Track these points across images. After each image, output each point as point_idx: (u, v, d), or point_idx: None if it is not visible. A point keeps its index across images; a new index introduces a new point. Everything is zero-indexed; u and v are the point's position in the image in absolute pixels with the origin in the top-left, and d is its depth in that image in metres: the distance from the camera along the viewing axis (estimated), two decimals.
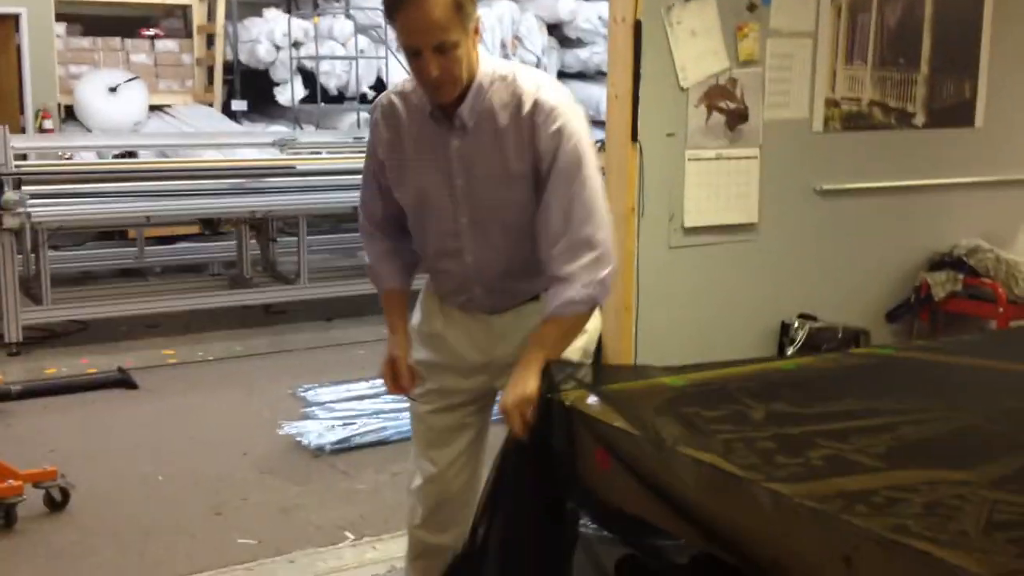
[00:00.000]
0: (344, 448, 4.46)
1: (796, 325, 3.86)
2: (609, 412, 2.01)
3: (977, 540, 1.51)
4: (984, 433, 1.91)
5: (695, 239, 3.81)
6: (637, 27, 3.58)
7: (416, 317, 2.50)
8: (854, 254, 4.11)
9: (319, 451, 4.44)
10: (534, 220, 2.23)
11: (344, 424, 4.66)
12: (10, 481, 3.66)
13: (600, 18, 12.01)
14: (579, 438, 2.07)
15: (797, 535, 1.60)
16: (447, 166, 2.26)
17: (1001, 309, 4.01)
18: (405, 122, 2.29)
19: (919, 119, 4.18)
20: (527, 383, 2.12)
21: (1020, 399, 2.11)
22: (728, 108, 3.77)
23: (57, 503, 3.81)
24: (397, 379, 2.40)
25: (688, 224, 3.78)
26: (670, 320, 3.78)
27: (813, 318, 3.91)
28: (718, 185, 3.83)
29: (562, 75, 10.44)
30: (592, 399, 2.08)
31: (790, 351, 3.80)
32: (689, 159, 3.75)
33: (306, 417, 4.83)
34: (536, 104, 2.18)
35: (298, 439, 4.55)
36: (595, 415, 2.01)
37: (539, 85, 2.21)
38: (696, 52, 3.68)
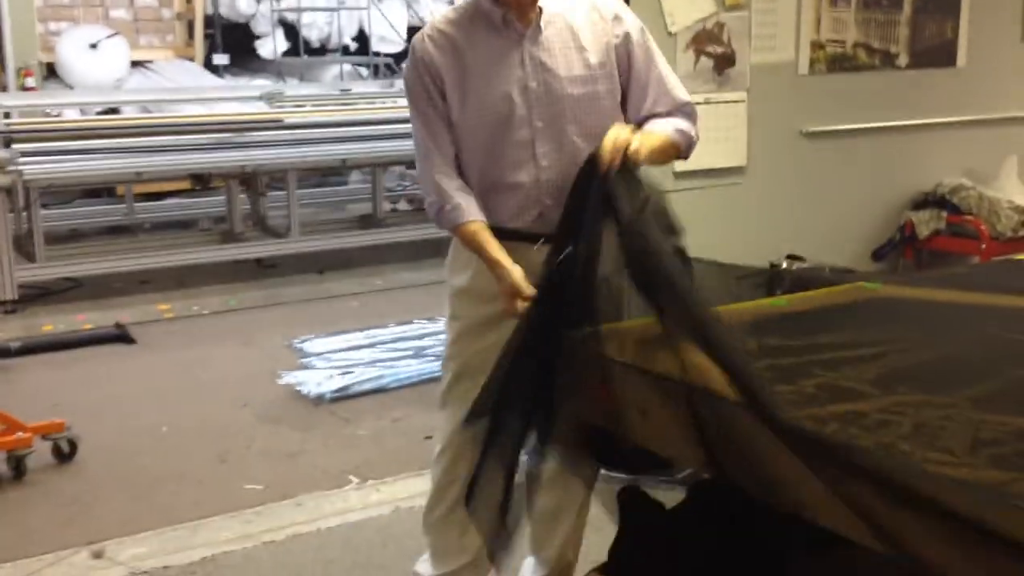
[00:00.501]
0: (343, 396, 4.55)
1: (785, 266, 3.94)
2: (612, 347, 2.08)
3: (963, 456, 1.61)
4: (966, 359, 2.00)
5: (685, 183, 3.87)
6: None
7: (461, 277, 2.48)
8: (840, 195, 4.19)
9: (319, 399, 4.52)
10: (609, 119, 2.30)
11: (342, 373, 4.74)
12: (19, 434, 3.74)
13: None
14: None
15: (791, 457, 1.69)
16: (521, 72, 2.32)
17: (983, 245, 4.10)
18: (463, 45, 2.33)
19: (902, 60, 4.24)
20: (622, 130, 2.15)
21: (999, 327, 2.19)
22: (716, 52, 3.82)
23: (65, 454, 3.89)
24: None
25: (678, 168, 3.84)
26: None
27: (801, 259, 3.99)
28: (707, 129, 3.83)
29: None
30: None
31: (779, 292, 3.87)
32: None
33: (304, 367, 4.91)
34: (604, 3, 2.39)
35: (298, 388, 4.63)
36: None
37: None
38: None
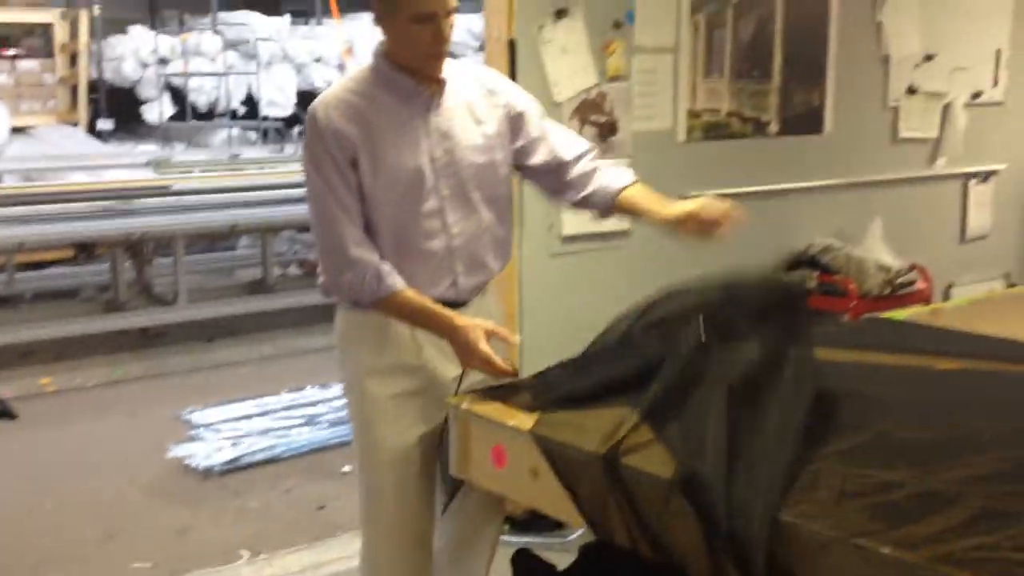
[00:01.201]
0: (234, 468, 4.50)
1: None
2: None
3: (831, 508, 1.70)
4: (834, 415, 2.11)
5: (573, 247, 3.98)
6: (511, 45, 3.74)
7: (368, 354, 2.42)
8: (720, 256, 4.32)
9: (208, 472, 4.46)
10: (506, 187, 2.50)
11: (233, 444, 4.69)
12: None
13: (469, 31, 12.17)
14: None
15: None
16: (427, 141, 2.36)
17: (853, 303, 4.29)
18: (369, 114, 2.32)
19: (773, 127, 4.44)
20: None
21: (865, 384, 2.32)
22: (599, 121, 3.95)
23: None
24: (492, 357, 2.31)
25: (566, 233, 3.95)
26: (551, 326, 3.93)
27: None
28: None
29: None
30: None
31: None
32: None
33: (193, 439, 4.84)
34: (490, 75, 2.54)
35: (186, 462, 4.56)
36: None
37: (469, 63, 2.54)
38: (568, 69, 3.85)
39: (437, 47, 2.29)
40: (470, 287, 2.48)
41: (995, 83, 5.15)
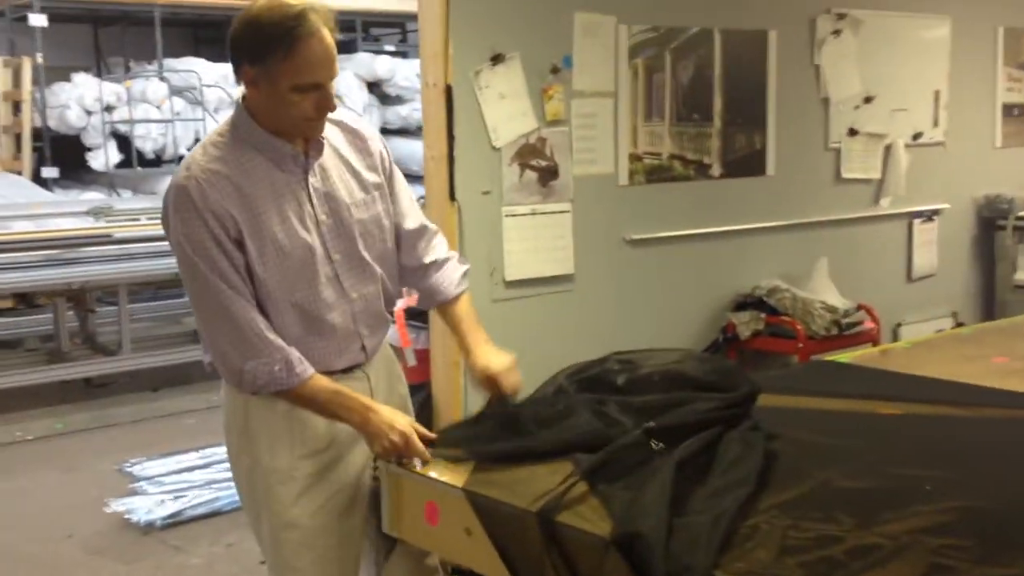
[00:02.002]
0: (175, 522, 4.38)
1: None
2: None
3: (771, 565, 1.66)
4: (776, 464, 2.07)
5: (516, 292, 3.94)
6: (448, 91, 3.71)
7: (260, 449, 2.23)
8: (664, 299, 4.33)
9: (149, 527, 4.34)
10: (391, 239, 2.35)
11: (175, 497, 4.57)
12: None
13: (418, 75, 12.23)
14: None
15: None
16: (310, 208, 2.19)
17: (800, 344, 4.28)
18: (243, 185, 2.12)
19: (715, 170, 4.45)
20: (502, 355, 2.35)
21: (808, 430, 2.29)
22: (539, 166, 3.93)
23: None
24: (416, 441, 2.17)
25: (509, 278, 3.92)
26: None
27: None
28: (535, 239, 3.98)
29: (384, 131, 10.56)
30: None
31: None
32: (506, 215, 3.89)
33: (134, 493, 4.72)
34: (355, 122, 2.35)
35: (127, 516, 4.44)
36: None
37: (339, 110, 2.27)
38: (506, 113, 3.83)
39: (320, 113, 2.14)
40: (374, 345, 2.36)
41: (935, 123, 5.21)
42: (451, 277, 2.45)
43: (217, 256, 2.09)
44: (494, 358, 2.35)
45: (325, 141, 2.25)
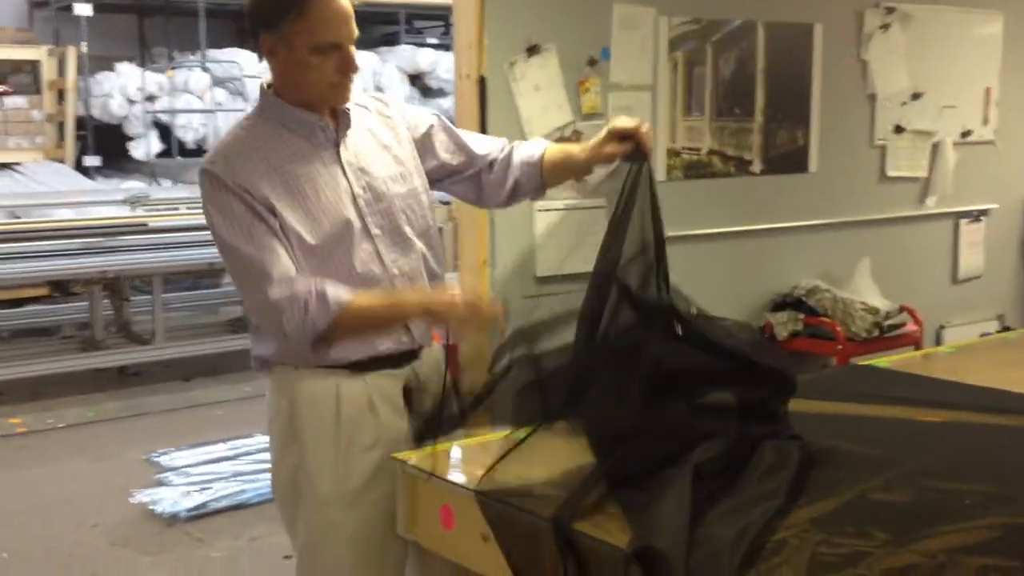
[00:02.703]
0: (200, 514, 4.35)
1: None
2: None
3: None
4: (810, 475, 1.97)
5: (548, 288, 3.85)
6: (482, 83, 3.63)
7: (306, 448, 2.17)
8: (701, 298, 4.14)
9: (173, 519, 4.31)
10: (431, 216, 2.29)
11: (201, 489, 4.54)
12: None
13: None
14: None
15: None
16: (344, 182, 2.15)
17: (840, 346, 4.15)
18: (276, 158, 2.09)
19: (756, 166, 4.33)
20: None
21: (842, 438, 2.18)
22: None
23: None
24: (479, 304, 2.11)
25: (540, 274, 3.83)
26: None
27: None
28: (569, 235, 3.89)
29: None
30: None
31: None
32: (538, 210, 3.80)
33: (160, 483, 4.70)
34: (377, 98, 2.33)
35: (151, 507, 4.42)
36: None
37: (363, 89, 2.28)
38: (540, 106, 3.74)
39: (344, 76, 2.09)
40: (423, 329, 2.26)
41: (985, 121, 5.05)
42: (531, 143, 2.44)
43: (251, 222, 2.04)
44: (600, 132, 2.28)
45: (353, 117, 2.20)
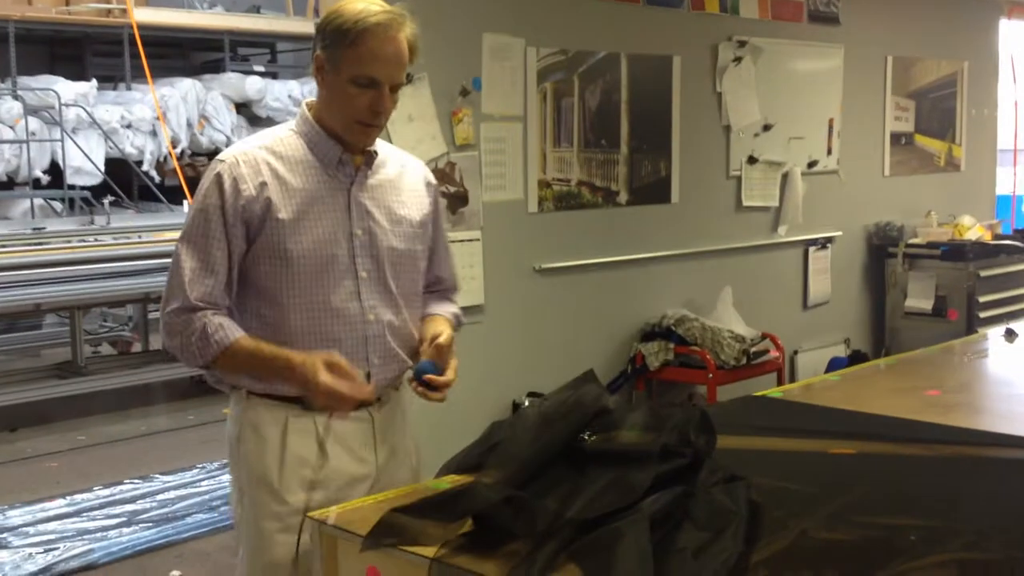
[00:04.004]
0: None
1: (527, 404, 3.88)
2: None
3: None
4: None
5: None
6: None
7: (250, 476, 2.15)
8: (574, 329, 4.21)
9: None
10: (421, 283, 2.30)
11: (44, 550, 4.19)
12: None
13: (290, 96, 11.87)
14: None
15: None
16: (345, 217, 2.15)
17: (711, 375, 4.21)
18: (287, 177, 2.12)
19: (623, 197, 4.36)
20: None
21: (759, 473, 2.16)
22: (449, 192, 3.76)
23: None
24: (347, 378, 2.05)
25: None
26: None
27: (542, 395, 3.94)
28: None
29: None
30: None
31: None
32: None
33: None
34: (425, 168, 2.36)
35: None
36: None
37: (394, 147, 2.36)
38: (414, 137, 3.65)
39: (371, 117, 2.10)
40: (385, 383, 2.22)
41: (829, 152, 5.26)
42: (452, 309, 2.40)
43: (216, 227, 2.08)
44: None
45: (382, 162, 2.22)
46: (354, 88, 2.07)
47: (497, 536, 1.83)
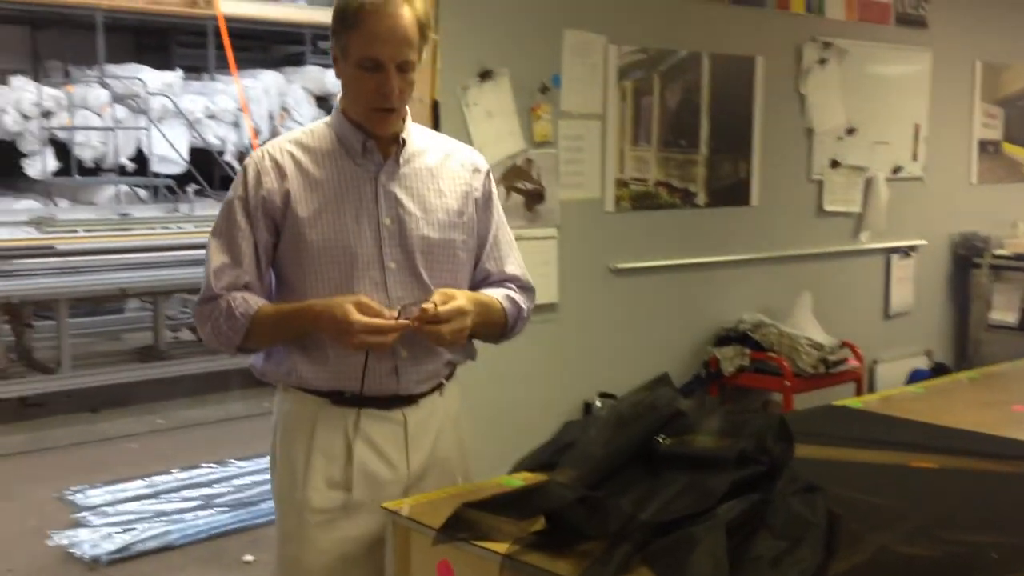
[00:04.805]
0: (123, 557, 4.10)
1: (599, 404, 3.87)
2: None
3: None
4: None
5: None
6: (435, 107, 3.53)
7: (282, 472, 2.15)
8: (648, 331, 4.17)
9: (95, 562, 4.06)
10: (464, 273, 2.21)
11: (123, 530, 4.29)
12: None
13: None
14: None
15: None
16: (374, 206, 2.10)
17: (787, 382, 4.15)
18: (312, 170, 2.10)
19: (701, 198, 4.32)
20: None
21: (838, 485, 2.13)
22: (526, 189, 3.76)
23: None
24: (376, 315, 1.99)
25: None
26: (473, 402, 3.66)
27: (613, 396, 3.92)
28: None
29: None
30: None
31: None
32: None
33: (78, 524, 4.42)
34: (471, 153, 2.28)
35: (71, 550, 4.15)
36: None
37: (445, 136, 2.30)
38: (493, 133, 3.66)
39: (380, 100, 2.04)
40: (417, 378, 2.15)
41: (914, 158, 5.15)
42: (505, 292, 2.24)
43: (241, 219, 2.10)
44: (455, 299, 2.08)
45: (417, 149, 2.17)
46: (361, 72, 2.03)
47: (570, 535, 1.83)
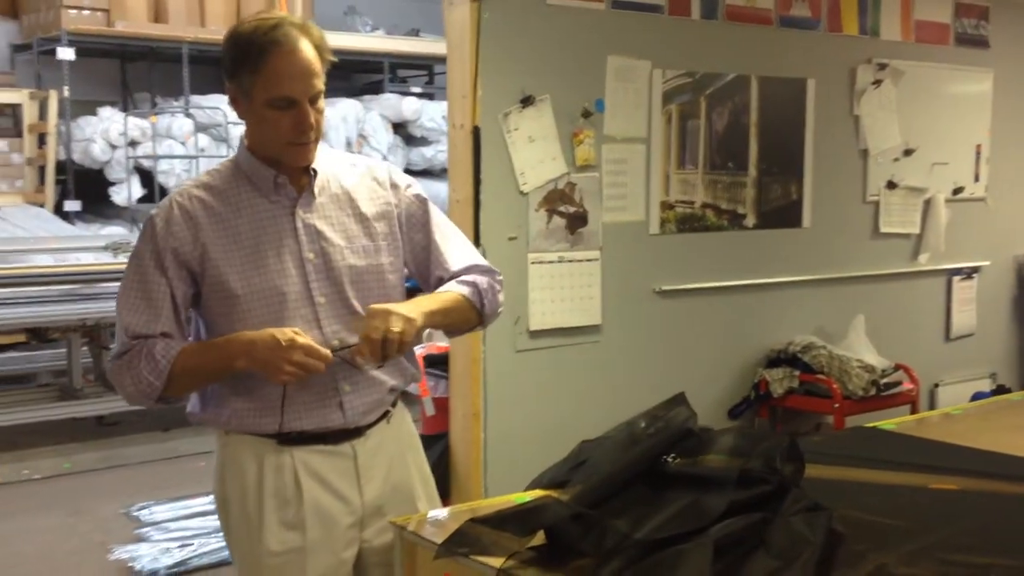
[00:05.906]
0: (180, 572, 4.21)
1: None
2: None
3: None
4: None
5: (541, 342, 3.80)
6: (476, 133, 3.59)
7: (231, 513, 2.11)
8: (694, 353, 4.17)
9: None
10: (396, 294, 2.15)
11: (181, 545, 4.41)
12: None
13: (444, 117, 12.14)
14: None
15: None
16: (294, 242, 2.05)
17: (837, 405, 4.10)
18: (225, 212, 2.03)
19: (750, 220, 4.30)
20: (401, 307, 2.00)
21: (851, 506, 2.11)
22: (568, 212, 3.80)
23: None
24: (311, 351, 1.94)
25: (533, 327, 3.77)
26: (517, 425, 3.73)
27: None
28: (562, 287, 3.84)
29: (408, 172, 10.51)
30: None
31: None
32: (532, 262, 3.75)
33: (139, 539, 4.56)
34: (380, 168, 2.20)
35: (130, 564, 4.28)
36: None
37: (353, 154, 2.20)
38: (534, 157, 3.71)
39: (300, 136, 1.99)
40: (363, 410, 2.11)
41: (976, 178, 5.06)
42: (462, 277, 2.18)
43: (153, 275, 1.99)
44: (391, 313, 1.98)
45: (329, 176, 2.12)
46: (272, 112, 1.96)
47: (567, 552, 1.86)
